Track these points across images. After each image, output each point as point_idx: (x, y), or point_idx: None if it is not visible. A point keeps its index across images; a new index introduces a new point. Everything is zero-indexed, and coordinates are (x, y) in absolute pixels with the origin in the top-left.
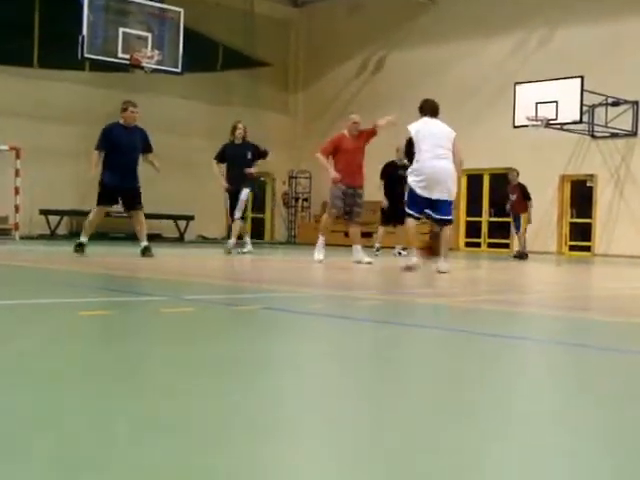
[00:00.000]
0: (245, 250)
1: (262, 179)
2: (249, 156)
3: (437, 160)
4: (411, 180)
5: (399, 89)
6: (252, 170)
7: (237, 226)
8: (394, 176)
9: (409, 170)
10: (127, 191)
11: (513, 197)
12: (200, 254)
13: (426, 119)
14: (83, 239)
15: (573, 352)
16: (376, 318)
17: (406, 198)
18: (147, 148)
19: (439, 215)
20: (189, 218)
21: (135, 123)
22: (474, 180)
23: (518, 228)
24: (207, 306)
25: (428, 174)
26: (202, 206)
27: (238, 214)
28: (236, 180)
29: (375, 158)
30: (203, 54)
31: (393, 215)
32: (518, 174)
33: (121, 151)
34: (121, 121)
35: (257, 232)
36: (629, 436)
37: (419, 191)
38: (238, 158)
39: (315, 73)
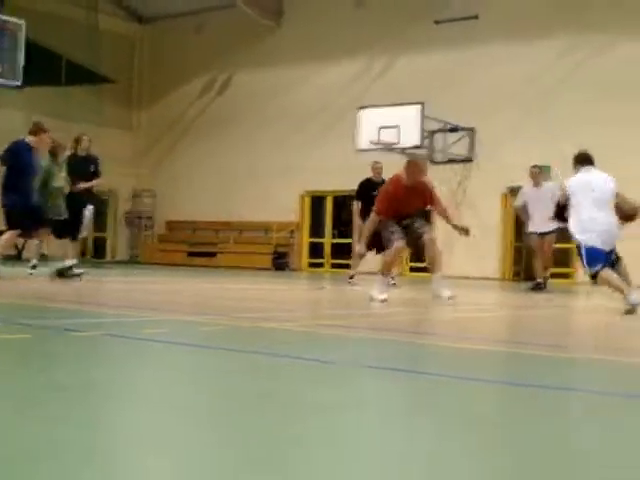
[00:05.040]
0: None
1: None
2: (92, 169)
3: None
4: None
5: (245, 109)
6: (89, 184)
7: (78, 246)
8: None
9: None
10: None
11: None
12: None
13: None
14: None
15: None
16: (208, 344)
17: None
18: None
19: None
20: None
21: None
22: (317, 202)
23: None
24: (45, 332)
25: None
26: None
27: (85, 233)
28: (78, 195)
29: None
30: (46, 68)
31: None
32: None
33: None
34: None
35: (98, 251)
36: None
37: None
38: (81, 171)
39: (160, 91)
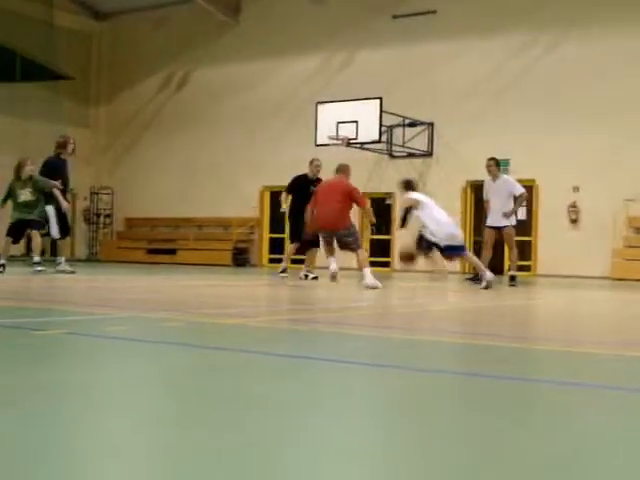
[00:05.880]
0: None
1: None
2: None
3: None
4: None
5: (204, 105)
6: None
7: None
8: (306, 191)
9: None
10: None
11: None
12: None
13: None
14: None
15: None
16: (173, 341)
17: None
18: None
19: None
20: None
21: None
22: (277, 197)
23: None
24: (5, 331)
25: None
26: None
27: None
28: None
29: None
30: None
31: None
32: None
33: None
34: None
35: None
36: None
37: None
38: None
39: (118, 87)
